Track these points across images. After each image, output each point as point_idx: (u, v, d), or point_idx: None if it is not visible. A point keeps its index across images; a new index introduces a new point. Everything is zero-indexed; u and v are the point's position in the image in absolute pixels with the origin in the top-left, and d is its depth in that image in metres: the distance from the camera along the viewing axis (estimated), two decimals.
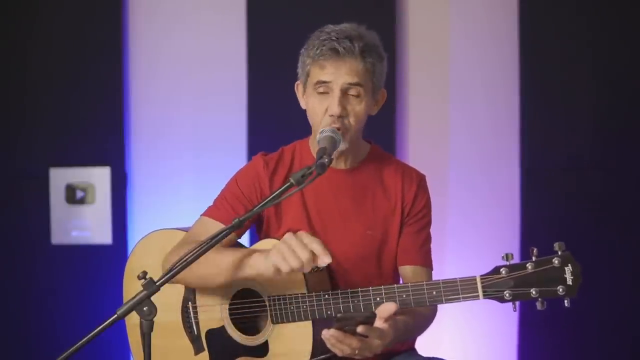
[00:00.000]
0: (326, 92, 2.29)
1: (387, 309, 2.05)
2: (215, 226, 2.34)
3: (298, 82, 2.41)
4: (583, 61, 3.73)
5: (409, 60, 3.87)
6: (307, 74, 2.33)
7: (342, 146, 2.28)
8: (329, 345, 2.07)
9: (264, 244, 2.33)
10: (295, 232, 2.30)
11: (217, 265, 2.23)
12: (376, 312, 2.07)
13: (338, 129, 2.26)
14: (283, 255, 2.07)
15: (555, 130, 3.76)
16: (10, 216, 3.93)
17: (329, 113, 2.27)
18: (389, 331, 2.07)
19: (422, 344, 2.50)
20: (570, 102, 3.75)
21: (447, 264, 3.66)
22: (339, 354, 2.07)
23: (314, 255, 2.06)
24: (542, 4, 3.75)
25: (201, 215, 2.43)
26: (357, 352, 2.05)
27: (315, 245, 2.06)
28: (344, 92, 2.27)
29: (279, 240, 2.21)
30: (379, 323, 2.05)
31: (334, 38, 2.27)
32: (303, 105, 2.40)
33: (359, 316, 2.02)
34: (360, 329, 2.01)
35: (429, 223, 2.45)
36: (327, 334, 2.03)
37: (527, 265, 2.00)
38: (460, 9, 3.86)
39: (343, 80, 2.26)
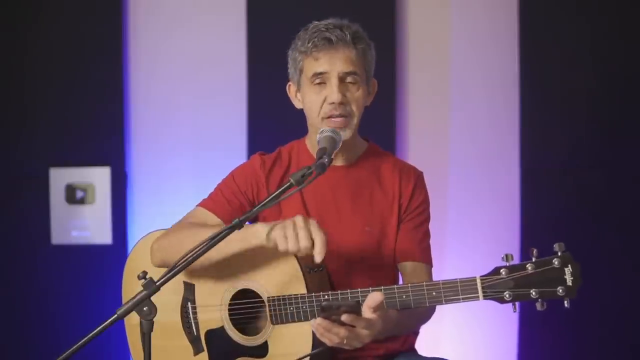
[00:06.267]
0: (323, 82, 2.31)
1: (373, 298, 2.05)
2: (209, 217, 2.37)
3: (289, 83, 2.43)
4: (583, 61, 3.74)
5: (409, 60, 3.88)
6: (301, 70, 2.35)
7: (346, 135, 2.29)
8: (317, 335, 2.07)
9: None
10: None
11: (218, 247, 2.13)
12: (363, 302, 2.07)
13: (340, 116, 2.27)
14: (285, 235, 2.08)
15: (555, 130, 3.76)
16: (10, 216, 3.94)
17: (328, 101, 2.29)
18: (377, 321, 2.05)
19: (422, 344, 2.50)
20: (570, 102, 3.75)
21: (447, 264, 3.66)
22: (328, 343, 2.06)
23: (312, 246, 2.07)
24: (542, 4, 3.76)
25: (197, 205, 2.45)
26: (345, 341, 2.05)
27: (318, 240, 2.07)
28: (341, 80, 2.29)
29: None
30: (367, 313, 2.05)
31: (323, 29, 2.31)
32: (297, 104, 2.42)
33: (344, 305, 2.02)
34: (344, 317, 2.01)
35: (427, 219, 2.45)
36: (315, 323, 2.04)
37: (527, 266, 2.00)
38: (460, 9, 3.87)
39: (339, 69, 2.29)
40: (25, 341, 3.90)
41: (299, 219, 2.09)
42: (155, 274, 1.99)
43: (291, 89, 2.43)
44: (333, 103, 2.29)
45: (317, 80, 2.31)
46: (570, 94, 3.75)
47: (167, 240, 2.35)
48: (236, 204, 2.38)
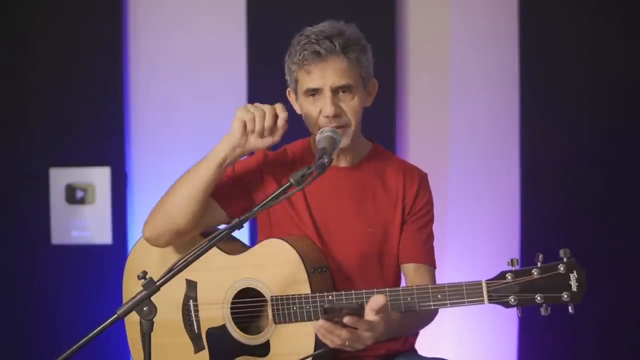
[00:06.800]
0: (317, 94, 2.30)
1: (376, 301, 2.05)
2: None
3: (289, 89, 2.42)
4: (583, 61, 3.74)
5: (409, 60, 3.87)
6: (296, 81, 2.35)
7: (344, 142, 2.29)
8: (319, 336, 2.07)
9: (268, 243, 2.33)
10: (302, 233, 2.34)
11: (190, 179, 2.35)
12: (366, 304, 2.07)
13: (337, 127, 2.27)
14: (247, 108, 2.25)
15: (555, 130, 3.76)
16: (10, 216, 3.94)
17: (323, 114, 2.29)
18: (379, 323, 2.06)
19: (422, 345, 2.50)
20: (570, 102, 3.75)
21: (447, 264, 3.66)
22: (330, 345, 2.06)
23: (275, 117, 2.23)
24: (542, 4, 3.76)
25: None
26: (347, 343, 2.05)
27: (278, 105, 2.23)
28: (335, 92, 2.28)
29: (285, 239, 2.25)
30: (369, 316, 2.05)
31: (313, 40, 2.27)
32: (298, 110, 2.40)
33: (346, 307, 2.02)
34: (347, 319, 2.01)
35: (431, 221, 2.44)
36: (317, 325, 2.04)
37: (533, 271, 2.01)
38: (460, 9, 3.87)
39: (331, 82, 2.27)
40: (25, 341, 3.90)
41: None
42: (155, 273, 1.99)
43: (291, 95, 2.42)
44: (328, 117, 2.28)
45: (311, 93, 2.31)
46: (570, 94, 3.75)
47: (153, 210, 2.43)
48: (230, 187, 2.39)
